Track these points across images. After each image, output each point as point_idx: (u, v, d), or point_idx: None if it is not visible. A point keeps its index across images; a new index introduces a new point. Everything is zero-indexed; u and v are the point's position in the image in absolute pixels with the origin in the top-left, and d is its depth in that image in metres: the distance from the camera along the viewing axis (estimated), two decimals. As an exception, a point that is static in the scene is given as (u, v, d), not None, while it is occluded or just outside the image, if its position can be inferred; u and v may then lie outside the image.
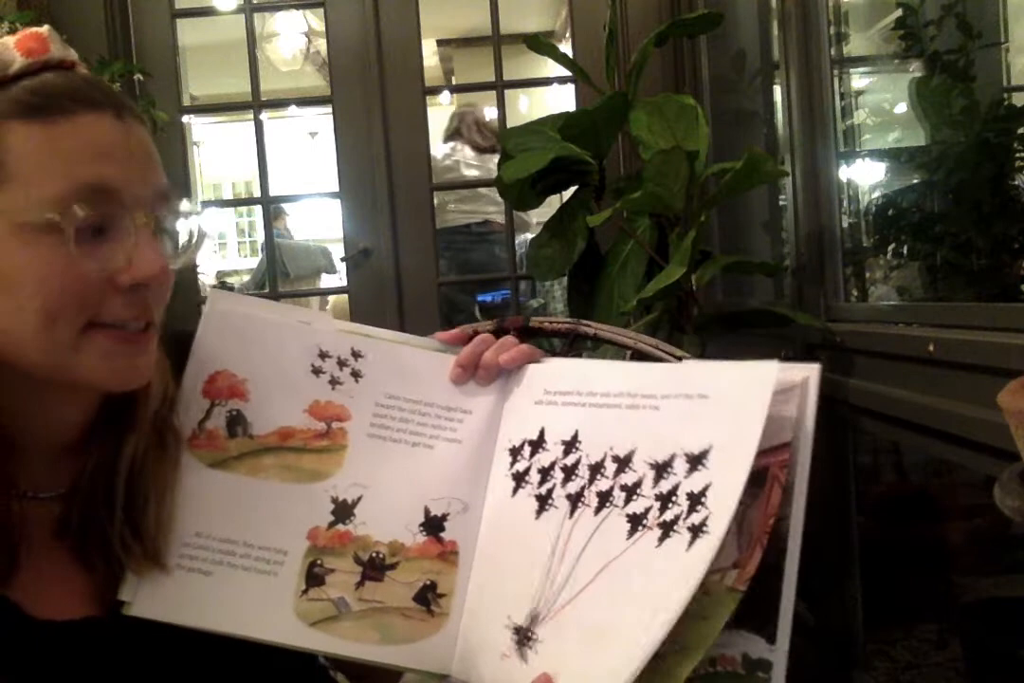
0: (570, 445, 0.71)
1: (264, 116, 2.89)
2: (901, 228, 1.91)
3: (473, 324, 0.95)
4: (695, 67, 2.48)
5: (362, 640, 0.71)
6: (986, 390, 0.79)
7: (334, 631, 0.71)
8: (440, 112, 3.99)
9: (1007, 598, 1.90)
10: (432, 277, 2.73)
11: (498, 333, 0.82)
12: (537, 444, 0.73)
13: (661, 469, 0.65)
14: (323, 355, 0.76)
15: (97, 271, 0.64)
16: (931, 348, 1.29)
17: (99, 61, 2.42)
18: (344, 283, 2.97)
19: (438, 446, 0.75)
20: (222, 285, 5.45)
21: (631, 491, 0.66)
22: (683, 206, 1.71)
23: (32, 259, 0.62)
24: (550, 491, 0.70)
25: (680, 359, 0.91)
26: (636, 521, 0.65)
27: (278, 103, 3.74)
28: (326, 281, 5.35)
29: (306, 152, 6.99)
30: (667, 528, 0.63)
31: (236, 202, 8.52)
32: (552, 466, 0.71)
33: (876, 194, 2.15)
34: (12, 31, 2.19)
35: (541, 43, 1.97)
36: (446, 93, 4.99)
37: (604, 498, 0.67)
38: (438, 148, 3.58)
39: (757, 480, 0.61)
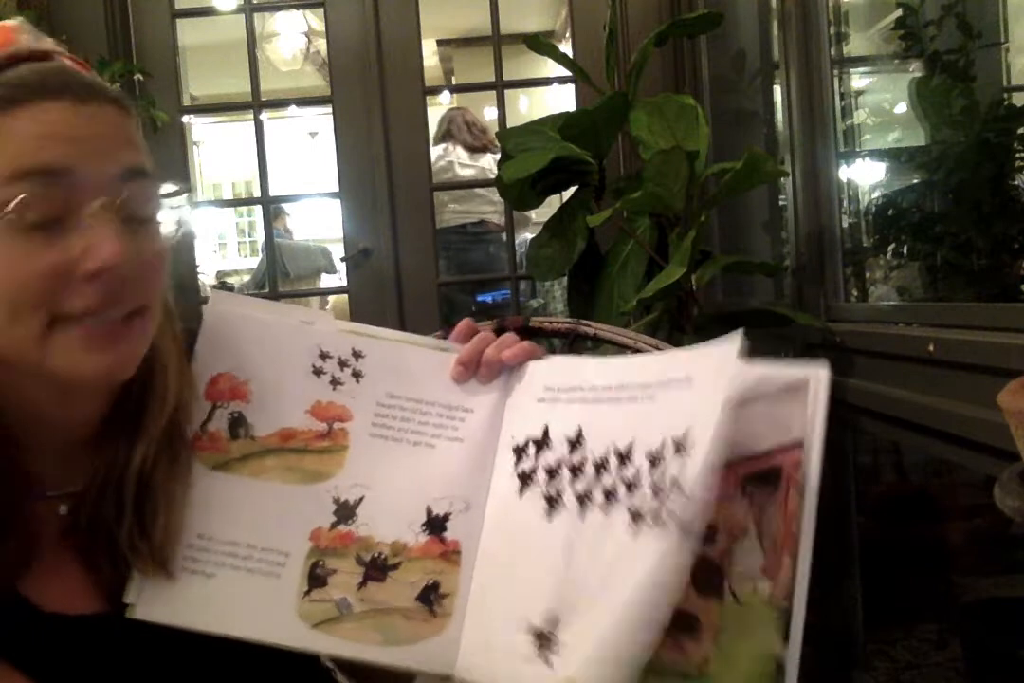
0: (575, 443, 0.71)
1: (264, 116, 2.89)
2: (901, 228, 1.91)
3: (475, 323, 0.95)
4: (695, 67, 2.48)
5: (364, 641, 0.71)
6: (986, 390, 0.79)
7: (336, 632, 0.71)
8: (440, 112, 3.99)
9: (1007, 598, 1.91)
10: (432, 277, 2.73)
11: (498, 333, 0.81)
12: (542, 442, 0.72)
13: (655, 458, 0.65)
14: (324, 355, 0.76)
15: (54, 261, 0.62)
16: (931, 348, 1.29)
17: (99, 61, 2.42)
18: (344, 283, 2.97)
19: (440, 445, 0.75)
20: (222, 285, 5.45)
21: (631, 485, 0.66)
22: (683, 206, 1.71)
23: None
24: (559, 491, 0.70)
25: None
26: (636, 516, 0.64)
27: (278, 103, 3.74)
28: (326, 281, 5.35)
29: (306, 152, 6.99)
30: (657, 518, 0.62)
31: (236, 202, 8.52)
32: (559, 465, 0.71)
33: (876, 194, 2.15)
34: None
35: (541, 43, 1.97)
36: (446, 93, 4.99)
37: (609, 495, 0.67)
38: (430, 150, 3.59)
39: (770, 480, 0.61)
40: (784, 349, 1.83)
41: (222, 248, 7.90)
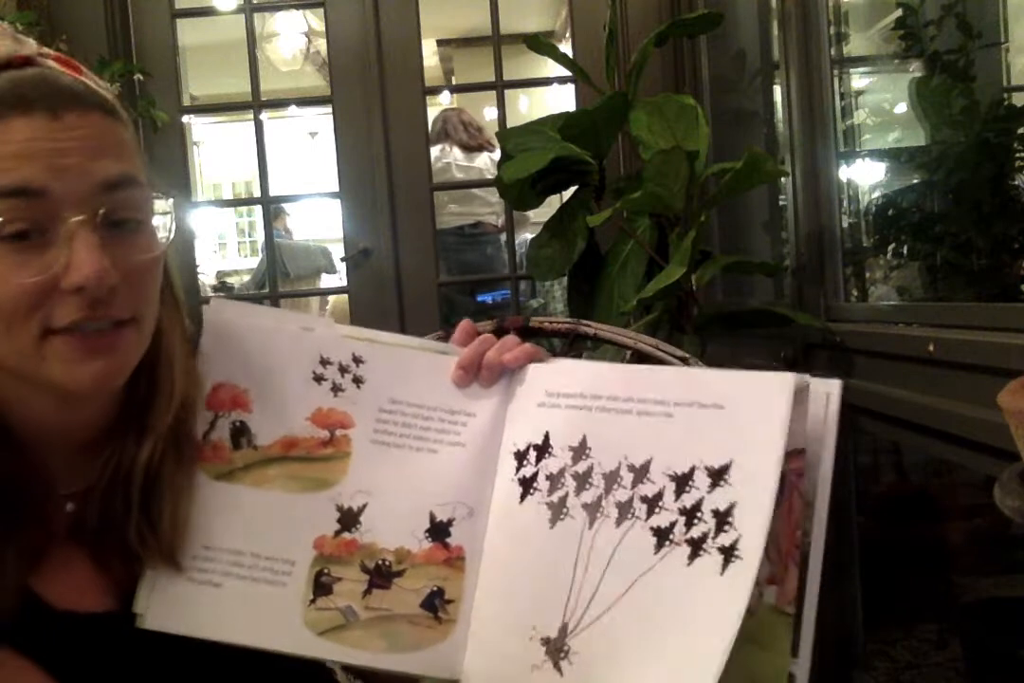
0: (579, 451, 0.70)
1: (264, 116, 2.89)
2: (901, 228, 1.91)
3: (474, 324, 0.94)
4: (695, 67, 2.48)
5: (370, 648, 0.71)
6: (986, 390, 0.79)
7: (342, 640, 0.71)
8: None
9: (1007, 598, 1.91)
10: (432, 277, 2.73)
11: (498, 333, 0.81)
12: (543, 449, 0.72)
13: (682, 482, 0.64)
14: (324, 362, 0.75)
15: (37, 276, 0.62)
16: (931, 348, 1.29)
17: (99, 61, 2.42)
18: (344, 283, 2.97)
19: (442, 450, 0.75)
20: (222, 285, 5.46)
21: (653, 503, 0.65)
22: (683, 206, 1.72)
23: None
24: (563, 499, 0.70)
25: (683, 359, 0.91)
26: (662, 535, 0.64)
27: (278, 103, 3.74)
28: (326, 281, 5.35)
29: (306, 152, 6.99)
30: (696, 546, 0.62)
31: (236, 202, 8.52)
32: (562, 473, 0.70)
33: (876, 194, 2.15)
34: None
35: (541, 43, 1.97)
36: (446, 93, 4.99)
37: (624, 509, 0.66)
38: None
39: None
40: (784, 349, 1.83)
41: (222, 248, 7.90)
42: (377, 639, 0.71)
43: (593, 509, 0.68)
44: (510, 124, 2.36)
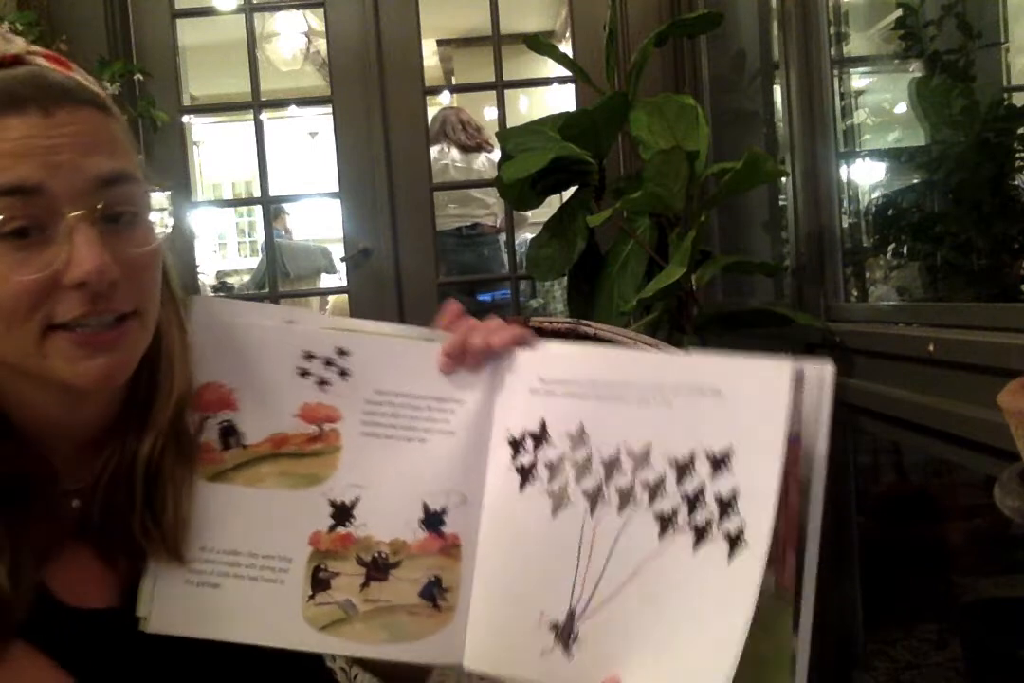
0: (578, 439, 0.70)
1: (264, 116, 2.89)
2: (901, 228, 1.91)
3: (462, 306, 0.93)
4: (695, 67, 2.48)
5: (371, 641, 0.72)
6: (986, 390, 0.79)
7: (343, 634, 0.72)
8: (440, 112, 3.99)
9: (1007, 598, 1.91)
10: (432, 277, 2.73)
11: None
12: (540, 437, 0.72)
13: (683, 468, 0.65)
14: (308, 356, 0.75)
15: (38, 273, 0.63)
16: (931, 348, 1.29)
17: (99, 61, 2.42)
18: (344, 283, 2.97)
19: (431, 439, 0.74)
20: (222, 285, 5.46)
21: (654, 489, 0.66)
22: (683, 206, 1.72)
23: None
24: (564, 488, 0.70)
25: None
26: (666, 521, 0.65)
27: (278, 103, 3.74)
28: (326, 281, 5.35)
29: (306, 152, 6.99)
30: (700, 533, 0.63)
31: (236, 202, 8.52)
32: (561, 461, 0.70)
33: (876, 194, 2.15)
34: (12, 31, 2.19)
35: (541, 43, 1.97)
36: (446, 93, 4.99)
37: (625, 496, 0.67)
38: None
39: None
40: (784, 349, 1.83)
41: (222, 248, 7.90)
42: (378, 631, 0.72)
43: (594, 496, 0.68)
44: (510, 124, 2.36)
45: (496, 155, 3.70)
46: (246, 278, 5.76)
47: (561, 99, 3.77)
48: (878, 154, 2.32)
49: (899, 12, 1.86)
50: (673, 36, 2.01)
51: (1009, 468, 0.72)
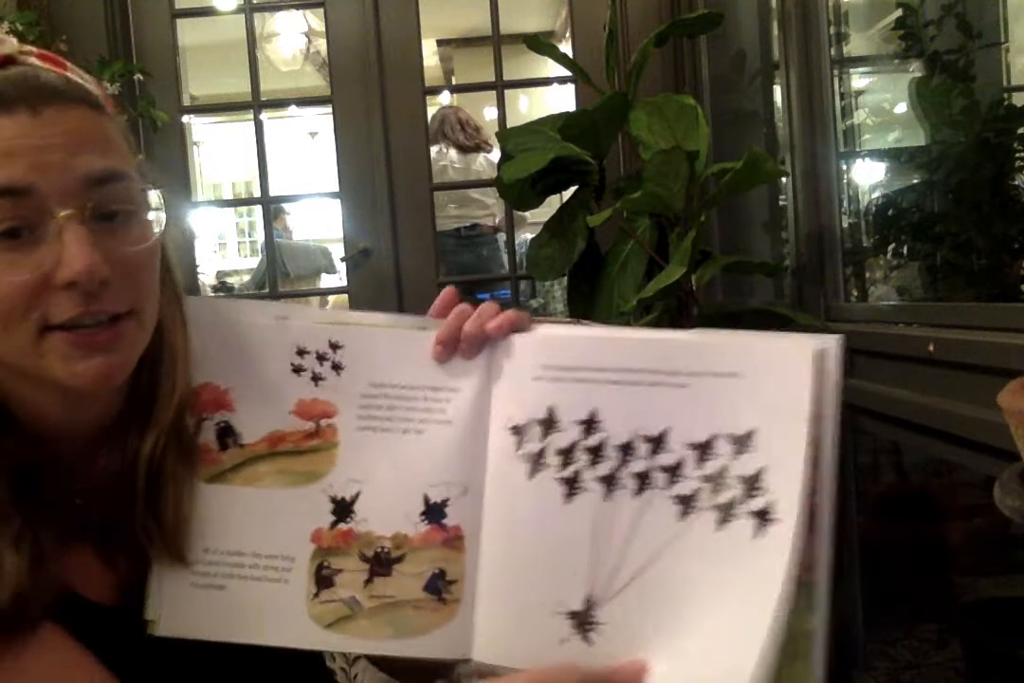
0: (590, 425, 0.69)
1: (264, 116, 2.89)
2: (901, 228, 1.91)
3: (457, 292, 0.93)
4: (695, 67, 2.48)
5: (377, 637, 0.71)
6: (986, 390, 0.79)
7: (349, 631, 0.71)
8: (440, 112, 3.99)
9: (1007, 598, 1.91)
10: (432, 277, 2.73)
11: None
12: (548, 424, 0.70)
13: (703, 450, 0.65)
14: (301, 352, 0.74)
15: (30, 274, 0.63)
16: (931, 348, 1.29)
17: (99, 61, 2.42)
18: (344, 283, 2.97)
19: (429, 430, 0.73)
20: (222, 285, 5.46)
21: (673, 472, 0.66)
22: (683, 206, 1.72)
23: None
24: (577, 474, 0.69)
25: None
26: (686, 503, 0.65)
27: (278, 103, 3.74)
28: (326, 281, 5.35)
29: (306, 152, 6.99)
30: (724, 512, 0.64)
31: (236, 202, 8.52)
32: (573, 447, 0.69)
33: (876, 194, 2.15)
34: (12, 31, 2.19)
35: (541, 43, 1.97)
36: (446, 93, 4.99)
37: (642, 480, 0.67)
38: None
39: None
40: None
41: (222, 248, 7.90)
42: (383, 627, 0.71)
43: (609, 481, 0.68)
44: (510, 124, 2.36)
45: (495, 155, 3.71)
46: (246, 278, 5.76)
47: (561, 99, 3.77)
48: (878, 154, 2.32)
49: (899, 12, 1.86)
50: (673, 36, 2.01)
51: (1009, 468, 0.72)
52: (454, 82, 6.34)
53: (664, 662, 0.65)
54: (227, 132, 7.00)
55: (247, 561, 0.71)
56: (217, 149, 7.33)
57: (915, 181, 1.97)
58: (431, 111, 2.81)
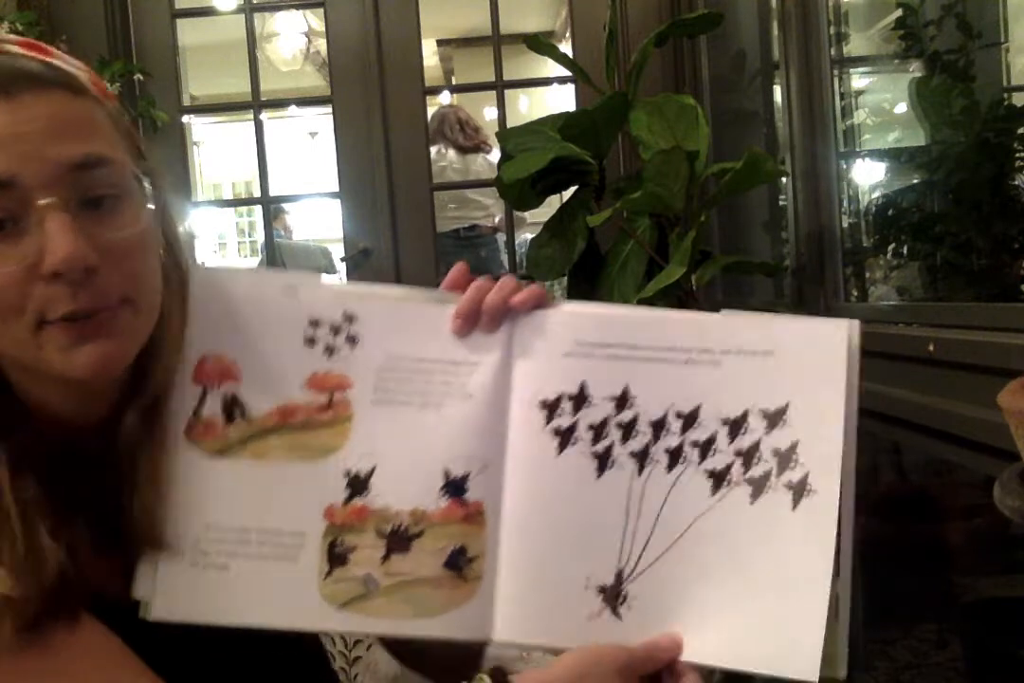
0: (622, 401, 0.69)
1: (264, 116, 2.89)
2: (901, 228, 1.91)
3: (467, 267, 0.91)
4: (695, 67, 2.48)
5: (395, 616, 0.69)
6: (986, 390, 0.79)
7: (365, 610, 0.69)
8: (440, 112, 3.98)
9: (1007, 598, 1.91)
10: (432, 277, 2.73)
11: None
12: (580, 399, 0.70)
13: (735, 425, 0.67)
14: (314, 323, 0.72)
15: (16, 266, 0.62)
16: (931, 348, 1.29)
17: (99, 61, 2.43)
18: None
19: (448, 404, 0.71)
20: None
21: (705, 447, 0.67)
22: (683, 206, 1.72)
23: None
24: (609, 449, 0.69)
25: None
26: (719, 477, 0.67)
27: (278, 103, 3.75)
28: (326, 281, 5.34)
29: (306, 152, 6.99)
30: (758, 485, 0.66)
31: (236, 202, 8.53)
32: (605, 423, 0.69)
33: (876, 194, 2.15)
34: (12, 31, 2.19)
35: (541, 43, 1.97)
36: (446, 93, 4.99)
37: (675, 455, 0.68)
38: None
39: None
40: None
41: (222, 248, 7.90)
42: (401, 605, 0.69)
43: (641, 457, 0.68)
44: (510, 124, 2.36)
45: (494, 156, 3.71)
46: (246, 278, 5.75)
47: (561, 99, 3.77)
48: (878, 154, 2.31)
49: (899, 12, 1.86)
50: (673, 36, 2.01)
51: (1009, 468, 0.72)
52: (454, 82, 6.35)
53: (695, 634, 0.66)
54: (227, 132, 7.00)
55: (253, 538, 0.69)
56: (217, 149, 7.33)
57: (915, 181, 1.97)
58: (431, 111, 2.81)
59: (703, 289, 1.83)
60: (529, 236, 3.09)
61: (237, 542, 0.69)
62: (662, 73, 2.55)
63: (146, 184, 0.67)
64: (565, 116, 1.98)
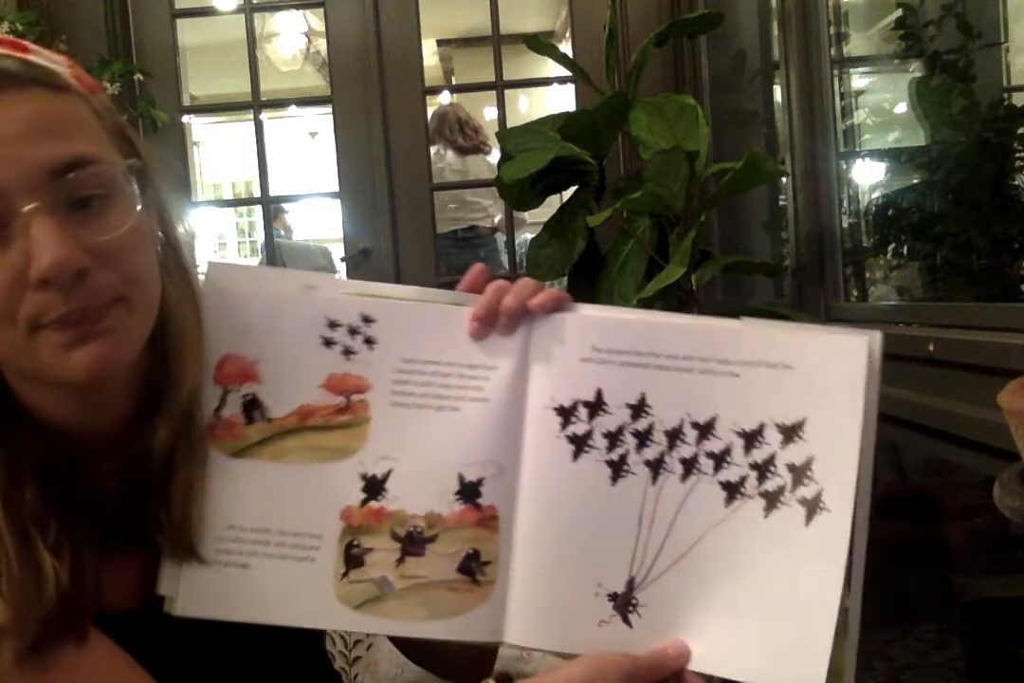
0: (638, 409, 0.69)
1: (264, 116, 2.89)
2: (901, 228, 1.91)
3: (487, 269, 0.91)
4: (695, 67, 2.48)
5: (408, 618, 0.70)
6: (986, 390, 0.79)
7: (380, 612, 0.69)
8: (440, 112, 3.98)
9: (1007, 598, 1.90)
10: (432, 277, 2.73)
11: None
12: (596, 406, 0.70)
13: (751, 438, 0.67)
14: (332, 325, 0.72)
15: (4, 275, 0.61)
16: (931, 348, 1.29)
17: (99, 61, 2.43)
18: (344, 283, 2.97)
19: (465, 407, 0.71)
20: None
21: (720, 459, 0.67)
22: (683, 206, 1.72)
23: None
24: (623, 457, 0.69)
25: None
26: (732, 489, 0.67)
27: (278, 103, 3.74)
28: (326, 281, 5.34)
29: (306, 152, 6.99)
30: (771, 499, 0.66)
31: (236, 202, 8.52)
32: (621, 430, 0.69)
33: (876, 194, 2.15)
34: (12, 31, 2.19)
35: (541, 43, 1.97)
36: (446, 93, 4.99)
37: (689, 465, 0.68)
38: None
39: None
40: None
41: (222, 248, 7.89)
42: (415, 608, 0.70)
43: (656, 466, 0.68)
44: (510, 124, 2.36)
45: (493, 157, 3.70)
46: (246, 278, 5.75)
47: (561, 99, 3.77)
48: (878, 154, 2.31)
49: (899, 12, 1.86)
50: (673, 36, 2.01)
51: (1009, 468, 0.72)
52: (454, 82, 6.34)
53: (702, 644, 0.66)
54: (227, 132, 7.00)
55: (272, 538, 0.69)
56: (217, 149, 7.33)
57: (915, 181, 1.97)
58: (431, 111, 2.81)
59: (703, 289, 1.83)
60: (529, 236, 3.09)
61: (256, 542, 0.70)
62: (662, 73, 2.54)
63: (133, 181, 0.66)
64: (565, 116, 1.98)
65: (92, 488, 0.70)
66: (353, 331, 0.72)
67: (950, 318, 1.39)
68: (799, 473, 0.65)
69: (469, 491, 0.71)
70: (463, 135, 3.77)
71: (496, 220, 3.77)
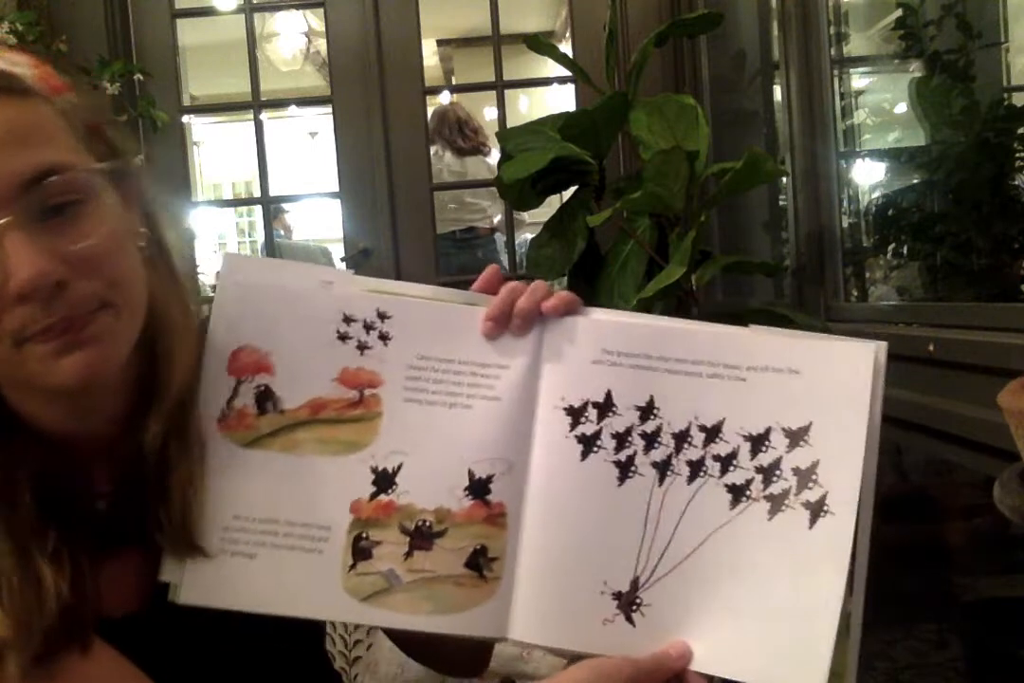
0: (647, 411, 0.70)
1: (264, 116, 2.89)
2: (901, 228, 1.91)
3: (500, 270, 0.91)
4: (695, 67, 2.48)
5: (415, 612, 0.70)
6: (986, 390, 0.79)
7: (386, 605, 0.70)
8: (440, 112, 3.98)
9: (1007, 598, 1.90)
10: (432, 277, 2.73)
11: None
12: (605, 407, 0.71)
13: (757, 441, 0.68)
14: (348, 320, 0.73)
15: None
16: (931, 348, 1.29)
17: (99, 61, 2.42)
18: (344, 283, 2.97)
19: (476, 405, 0.72)
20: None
21: (726, 462, 0.68)
22: (683, 206, 1.71)
23: None
24: (631, 458, 0.70)
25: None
26: (738, 492, 0.68)
27: (278, 103, 3.74)
28: (326, 281, 5.33)
29: (306, 152, 6.99)
30: (776, 502, 0.67)
31: (236, 202, 8.52)
32: (628, 432, 0.70)
33: (876, 194, 2.15)
34: (12, 31, 2.19)
35: (541, 43, 1.97)
36: (446, 93, 4.99)
37: (696, 467, 0.69)
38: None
39: None
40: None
41: (222, 248, 7.89)
42: (422, 602, 0.70)
43: (663, 467, 0.69)
44: (510, 124, 2.36)
45: (492, 158, 3.70)
46: (246, 278, 5.74)
47: (561, 99, 3.77)
48: (878, 154, 2.31)
49: (899, 12, 1.86)
50: (673, 36, 2.00)
51: (1009, 468, 0.72)
52: (454, 82, 6.34)
53: (704, 644, 0.67)
54: (227, 132, 7.00)
55: (281, 529, 0.70)
56: (217, 149, 7.32)
57: (915, 181, 1.97)
58: (431, 111, 2.81)
59: (703, 289, 1.83)
60: (529, 236, 3.09)
61: (264, 533, 0.70)
62: (662, 73, 2.54)
63: (108, 183, 0.65)
64: (565, 116, 1.98)
65: (88, 493, 0.70)
66: (368, 327, 0.73)
67: (950, 318, 1.39)
68: (804, 477, 0.66)
69: (478, 487, 0.71)
70: (462, 136, 3.77)
71: (495, 221, 3.77)
